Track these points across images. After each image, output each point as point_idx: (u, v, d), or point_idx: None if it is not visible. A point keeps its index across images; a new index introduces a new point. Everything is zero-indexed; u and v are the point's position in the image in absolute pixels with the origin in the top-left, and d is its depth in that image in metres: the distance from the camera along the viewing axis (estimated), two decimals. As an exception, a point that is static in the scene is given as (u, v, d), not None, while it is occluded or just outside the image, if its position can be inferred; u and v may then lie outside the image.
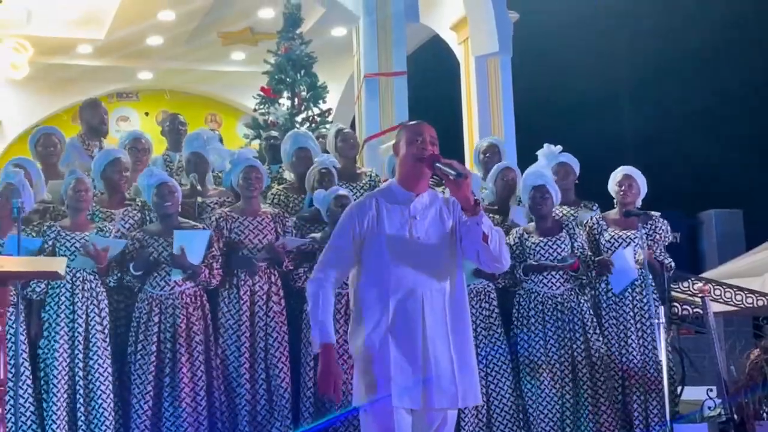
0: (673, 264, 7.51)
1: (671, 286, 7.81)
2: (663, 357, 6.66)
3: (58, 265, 4.40)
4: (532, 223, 7.36)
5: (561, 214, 7.66)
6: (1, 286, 4.16)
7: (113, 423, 6.42)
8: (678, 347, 7.99)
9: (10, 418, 6.01)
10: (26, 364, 6.38)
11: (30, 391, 6.36)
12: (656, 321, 6.77)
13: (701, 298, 7.66)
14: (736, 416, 7.12)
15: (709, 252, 17.14)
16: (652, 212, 7.53)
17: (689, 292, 9.09)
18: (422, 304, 4.34)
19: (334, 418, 6.51)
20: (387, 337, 4.31)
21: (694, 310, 8.49)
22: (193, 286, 6.63)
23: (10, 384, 5.91)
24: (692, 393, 7.86)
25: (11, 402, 6.00)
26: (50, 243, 6.53)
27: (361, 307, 4.44)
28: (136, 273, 6.54)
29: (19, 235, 5.86)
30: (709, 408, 7.47)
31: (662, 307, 6.82)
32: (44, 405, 6.34)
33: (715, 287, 9.22)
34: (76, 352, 6.40)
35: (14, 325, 6.08)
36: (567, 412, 7.03)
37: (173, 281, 6.55)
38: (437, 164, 4.33)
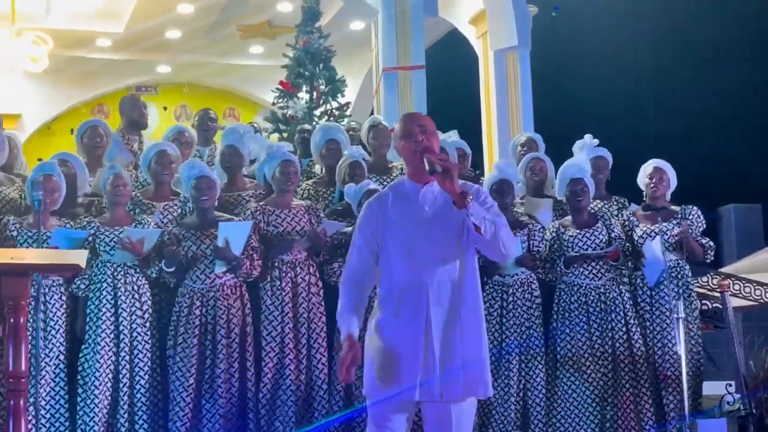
0: (711, 243, 7.49)
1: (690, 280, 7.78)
2: (682, 351, 6.65)
3: (79, 258, 4.42)
4: (568, 217, 7.38)
5: (596, 209, 7.64)
6: (22, 278, 4.18)
7: (149, 417, 6.45)
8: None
9: (31, 410, 6.04)
10: (62, 357, 6.44)
11: (62, 384, 6.40)
12: (675, 316, 6.76)
13: (720, 293, 7.65)
14: (755, 411, 7.11)
15: (727, 247, 17.08)
16: (673, 207, 7.51)
17: (708, 287, 9.07)
18: (427, 296, 4.33)
19: (361, 409, 6.53)
20: (390, 330, 4.34)
21: (713, 305, 8.47)
22: (233, 278, 6.65)
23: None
24: (711, 388, 7.84)
25: (32, 394, 6.03)
26: (90, 238, 6.57)
27: (376, 301, 4.49)
28: (168, 269, 6.57)
29: (39, 227, 5.89)
30: (728, 403, 7.46)
31: (680, 301, 6.80)
32: (78, 399, 6.38)
33: (734, 282, 9.20)
34: (122, 345, 6.46)
35: (34, 317, 6.11)
36: (608, 406, 7.02)
37: (214, 274, 6.58)
38: (424, 158, 4.32)
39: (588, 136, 8.05)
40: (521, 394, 7.01)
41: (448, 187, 4.26)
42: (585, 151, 7.95)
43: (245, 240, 6.60)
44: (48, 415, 6.34)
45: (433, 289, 4.34)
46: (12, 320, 4.14)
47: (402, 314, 4.33)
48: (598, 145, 8.02)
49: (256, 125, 9.40)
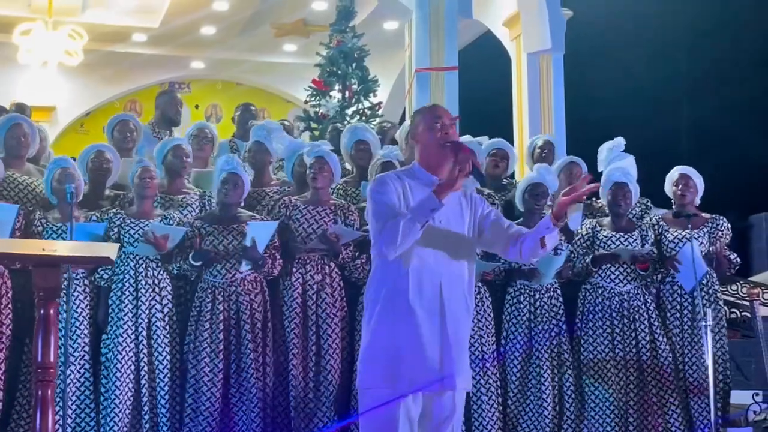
0: (738, 260, 7.43)
1: (719, 289, 7.74)
2: (709, 360, 6.61)
3: (110, 250, 4.43)
4: (607, 218, 7.34)
5: (635, 218, 7.63)
6: (54, 270, 4.20)
7: (170, 411, 6.49)
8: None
9: (59, 401, 6.08)
10: (87, 348, 6.48)
11: (87, 375, 6.45)
12: (703, 324, 6.72)
13: (749, 301, 7.61)
14: (782, 421, 7.07)
15: (758, 255, 17.00)
16: (704, 214, 7.46)
17: (737, 296, 9.04)
18: (440, 288, 4.33)
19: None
20: (403, 320, 4.30)
21: (743, 313, 8.43)
22: (253, 273, 6.69)
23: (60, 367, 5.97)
24: (739, 397, 7.80)
25: (60, 385, 6.07)
26: (116, 229, 6.61)
27: (380, 289, 4.41)
28: (195, 263, 6.59)
29: (71, 219, 5.92)
30: (755, 412, 7.43)
31: (709, 309, 6.77)
32: (102, 390, 6.41)
33: (764, 291, 9.16)
34: (140, 338, 6.48)
35: (65, 310, 6.15)
36: (631, 411, 6.99)
37: (238, 272, 6.60)
38: (474, 167, 4.29)
39: (619, 139, 8.02)
40: (556, 400, 6.99)
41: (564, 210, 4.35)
42: (613, 153, 7.91)
43: (269, 239, 6.63)
44: (74, 406, 6.38)
45: (445, 280, 4.34)
46: (42, 311, 4.16)
47: (416, 303, 4.30)
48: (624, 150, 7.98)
49: (287, 123, 9.41)
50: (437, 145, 4.41)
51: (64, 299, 6.07)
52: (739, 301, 8.84)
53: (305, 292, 6.75)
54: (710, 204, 7.73)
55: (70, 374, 6.32)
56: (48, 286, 4.16)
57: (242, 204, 6.91)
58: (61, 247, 4.54)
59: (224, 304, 6.58)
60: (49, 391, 4.16)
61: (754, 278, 11.64)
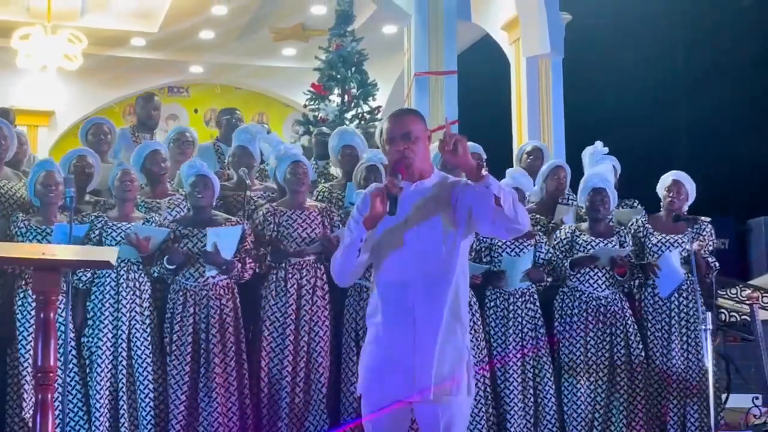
0: (717, 265, 7.40)
1: (719, 292, 7.73)
2: (709, 364, 6.60)
3: (110, 254, 4.44)
4: (585, 223, 7.35)
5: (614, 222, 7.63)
6: (54, 274, 4.20)
7: (153, 413, 6.49)
8: (724, 354, 7.93)
9: (58, 405, 6.07)
10: (73, 351, 6.47)
11: (77, 378, 6.44)
12: (702, 327, 6.72)
13: (749, 305, 7.60)
14: (782, 425, 7.07)
15: (757, 259, 16.98)
16: (702, 217, 7.46)
17: (737, 299, 9.05)
18: (413, 295, 4.28)
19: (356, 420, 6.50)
20: (381, 330, 4.32)
21: (742, 317, 8.43)
22: (225, 278, 6.68)
23: (59, 372, 5.96)
24: (738, 401, 7.81)
25: (59, 389, 6.06)
26: (97, 232, 6.59)
27: (369, 299, 4.46)
28: (170, 267, 6.58)
29: (71, 224, 5.90)
30: (755, 416, 7.43)
31: (709, 313, 6.77)
32: (90, 392, 6.42)
33: (764, 295, 9.16)
34: (120, 341, 6.47)
35: (64, 314, 6.14)
36: (597, 415, 7.00)
37: (208, 276, 6.59)
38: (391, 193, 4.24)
39: (598, 143, 8.02)
40: (532, 401, 7.01)
41: (462, 159, 4.18)
42: (594, 157, 7.93)
43: (236, 244, 6.61)
44: (66, 409, 6.37)
45: (417, 288, 4.29)
46: (42, 315, 4.16)
47: (389, 314, 4.30)
48: (608, 153, 7.98)
49: (267, 126, 9.41)
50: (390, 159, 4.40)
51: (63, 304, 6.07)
52: (738, 305, 8.84)
53: (301, 297, 6.77)
54: (709, 207, 7.72)
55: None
56: (46, 290, 4.16)
57: (214, 204, 6.91)
58: (61, 252, 4.54)
59: (195, 307, 6.59)
60: (49, 395, 4.17)
61: (753, 282, 11.64)
